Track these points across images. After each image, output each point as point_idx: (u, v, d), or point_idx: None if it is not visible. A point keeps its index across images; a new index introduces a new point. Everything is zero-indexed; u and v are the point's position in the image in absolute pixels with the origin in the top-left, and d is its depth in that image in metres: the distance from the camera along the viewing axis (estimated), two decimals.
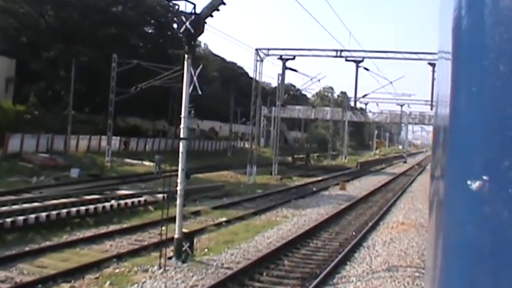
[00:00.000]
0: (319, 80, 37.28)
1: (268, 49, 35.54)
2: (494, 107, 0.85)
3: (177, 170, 14.57)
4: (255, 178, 37.61)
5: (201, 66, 13.36)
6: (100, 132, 48.25)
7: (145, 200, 21.58)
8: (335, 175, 45.46)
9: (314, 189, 32.56)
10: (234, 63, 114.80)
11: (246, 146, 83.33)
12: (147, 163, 43.00)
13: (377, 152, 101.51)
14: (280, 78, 37.41)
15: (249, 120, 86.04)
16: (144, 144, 52.27)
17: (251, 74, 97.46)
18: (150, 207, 21.68)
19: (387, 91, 44.50)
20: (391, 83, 38.44)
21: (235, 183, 35.25)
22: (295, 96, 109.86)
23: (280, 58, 35.77)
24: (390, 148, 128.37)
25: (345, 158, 76.61)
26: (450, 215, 0.93)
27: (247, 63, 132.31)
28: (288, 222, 19.71)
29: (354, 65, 35.78)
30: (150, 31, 63.69)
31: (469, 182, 0.85)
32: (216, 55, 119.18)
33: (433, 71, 33.10)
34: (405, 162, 77.14)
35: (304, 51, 35.82)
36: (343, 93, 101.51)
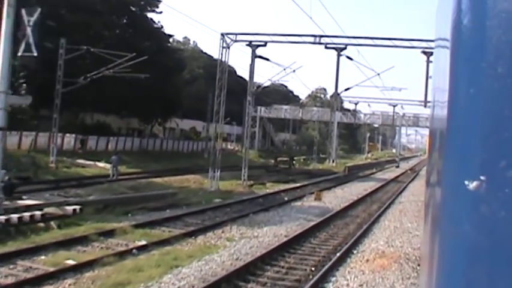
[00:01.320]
0: (294, 71, 31.96)
1: (236, 34, 30.32)
2: (492, 108, 0.87)
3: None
4: (221, 184, 32.47)
5: (39, 10, 8.09)
6: (64, 129, 43.27)
7: (42, 215, 16.27)
8: (317, 181, 40.28)
9: (286, 198, 27.37)
10: (221, 61, 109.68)
11: (229, 147, 77.94)
12: (101, 164, 37.73)
13: (369, 155, 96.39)
14: (250, 68, 32.07)
15: (235, 120, 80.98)
16: (106, 143, 46.80)
17: (239, 72, 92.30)
18: (53, 224, 16.45)
19: (374, 84, 38.28)
20: (378, 74, 33.26)
21: (196, 189, 30.04)
22: (286, 96, 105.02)
23: (250, 45, 30.53)
24: (383, 152, 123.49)
25: (334, 161, 71.29)
26: (447, 214, 0.93)
27: (236, 62, 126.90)
28: (228, 249, 14.47)
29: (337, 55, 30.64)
30: (122, 21, 58.12)
31: (466, 182, 0.87)
32: (203, 52, 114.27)
33: (428, 61, 28.03)
34: (397, 166, 71.97)
35: (277, 37, 30.51)
36: (335, 94, 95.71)
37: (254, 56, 30.77)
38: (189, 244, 15.13)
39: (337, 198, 28.37)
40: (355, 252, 14.68)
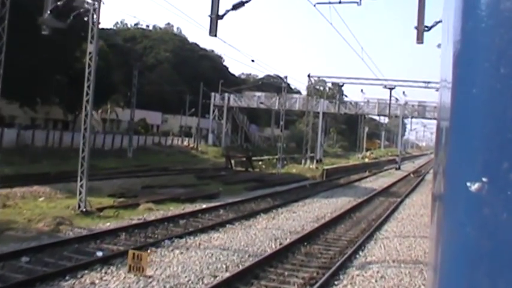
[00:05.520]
0: None
1: None
2: (495, 109, 0.87)
3: None
4: (65, 203, 17.30)
5: None
6: None
7: None
8: (254, 196, 24.80)
9: (100, 254, 11.90)
10: (196, 44, 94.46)
11: (179, 143, 61.72)
12: None
13: (367, 154, 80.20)
14: None
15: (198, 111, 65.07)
16: None
17: (226, 62, 75.22)
18: None
19: None
20: None
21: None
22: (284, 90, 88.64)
23: None
24: (386, 150, 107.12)
25: (319, 161, 55.50)
26: (450, 216, 0.94)
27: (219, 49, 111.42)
28: None
29: None
30: None
31: (468, 184, 0.87)
32: (176, 35, 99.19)
33: None
34: (398, 168, 55.92)
35: None
36: (335, 85, 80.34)
37: None
38: None
39: (226, 250, 12.66)
40: None
